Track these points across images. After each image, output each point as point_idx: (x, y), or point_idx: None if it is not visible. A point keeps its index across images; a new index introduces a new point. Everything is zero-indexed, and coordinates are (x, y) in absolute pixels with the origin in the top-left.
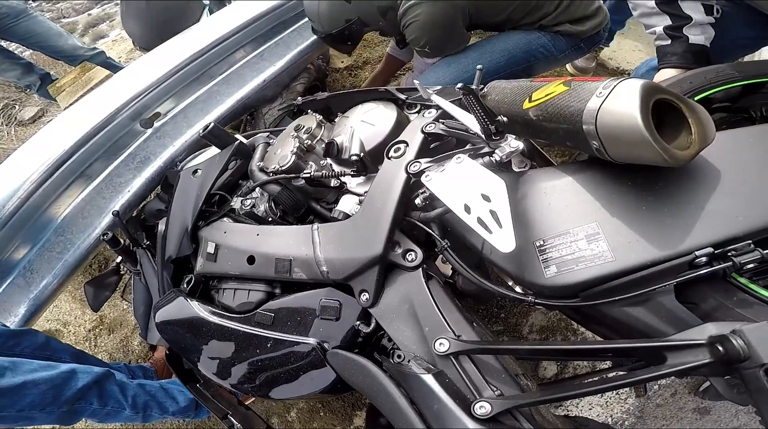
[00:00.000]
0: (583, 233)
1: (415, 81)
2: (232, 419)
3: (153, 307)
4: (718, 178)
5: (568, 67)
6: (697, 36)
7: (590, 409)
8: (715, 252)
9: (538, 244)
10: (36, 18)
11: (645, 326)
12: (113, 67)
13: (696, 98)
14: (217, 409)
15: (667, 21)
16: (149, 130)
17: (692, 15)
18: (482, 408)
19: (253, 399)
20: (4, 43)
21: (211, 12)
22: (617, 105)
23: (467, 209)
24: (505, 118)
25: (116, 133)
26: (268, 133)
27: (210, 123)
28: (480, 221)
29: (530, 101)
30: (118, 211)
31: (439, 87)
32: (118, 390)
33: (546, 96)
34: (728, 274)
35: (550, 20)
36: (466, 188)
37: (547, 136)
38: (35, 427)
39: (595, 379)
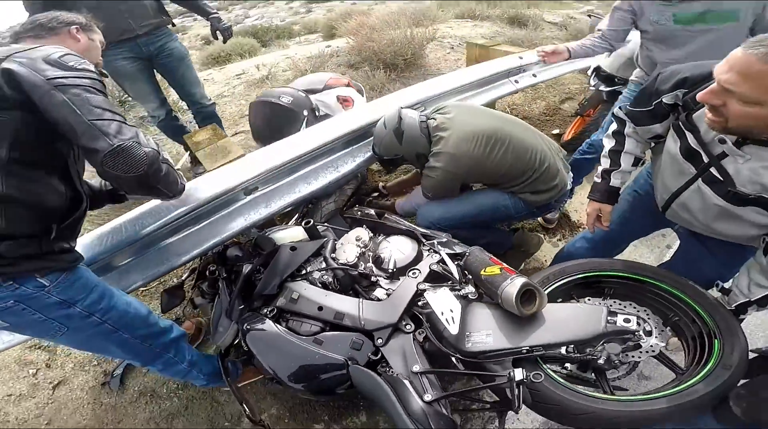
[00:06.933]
0: (485, 332)
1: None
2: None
3: (237, 322)
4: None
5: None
6: (617, 180)
7: None
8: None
9: (467, 334)
10: (191, 65)
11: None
12: (217, 119)
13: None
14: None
15: (606, 164)
16: (248, 197)
17: (622, 163)
18: (428, 396)
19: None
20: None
21: (308, 123)
22: (509, 291)
23: (442, 313)
24: (470, 275)
25: (227, 194)
26: (326, 226)
27: (309, 220)
28: (446, 319)
29: (484, 271)
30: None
31: (445, 239)
32: (187, 347)
33: (489, 272)
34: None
35: (517, 188)
36: (444, 303)
37: (487, 292)
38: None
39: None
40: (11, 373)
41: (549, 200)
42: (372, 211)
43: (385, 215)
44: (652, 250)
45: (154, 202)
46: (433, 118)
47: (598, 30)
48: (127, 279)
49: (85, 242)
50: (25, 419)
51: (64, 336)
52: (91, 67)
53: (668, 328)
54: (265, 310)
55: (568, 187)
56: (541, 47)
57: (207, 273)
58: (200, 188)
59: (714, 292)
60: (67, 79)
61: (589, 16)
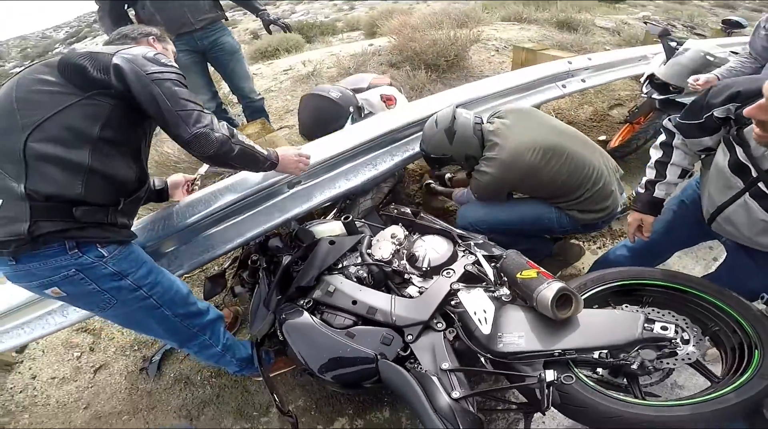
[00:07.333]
0: (517, 334)
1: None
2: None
3: (274, 312)
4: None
5: None
6: (661, 191)
7: None
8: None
9: (499, 335)
10: (242, 59)
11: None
12: (265, 114)
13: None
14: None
15: (651, 175)
16: (291, 191)
17: (668, 175)
18: (455, 393)
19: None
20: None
21: (353, 119)
22: (545, 294)
23: (475, 313)
24: (505, 278)
25: (272, 187)
26: (363, 222)
27: (348, 216)
28: (478, 319)
29: (521, 274)
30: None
31: (481, 241)
32: (222, 331)
33: (526, 276)
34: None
35: (565, 205)
36: (477, 303)
37: (522, 295)
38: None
39: None
40: (57, 356)
41: (596, 220)
42: (408, 210)
43: (421, 214)
44: (697, 262)
45: (201, 192)
46: (490, 122)
47: (743, 49)
48: (173, 265)
49: (137, 228)
50: (65, 402)
51: (112, 309)
52: (176, 64)
53: (707, 337)
54: (302, 302)
55: (619, 208)
56: (693, 77)
57: (249, 262)
58: (246, 180)
59: (759, 305)
60: (162, 73)
61: (646, 23)
